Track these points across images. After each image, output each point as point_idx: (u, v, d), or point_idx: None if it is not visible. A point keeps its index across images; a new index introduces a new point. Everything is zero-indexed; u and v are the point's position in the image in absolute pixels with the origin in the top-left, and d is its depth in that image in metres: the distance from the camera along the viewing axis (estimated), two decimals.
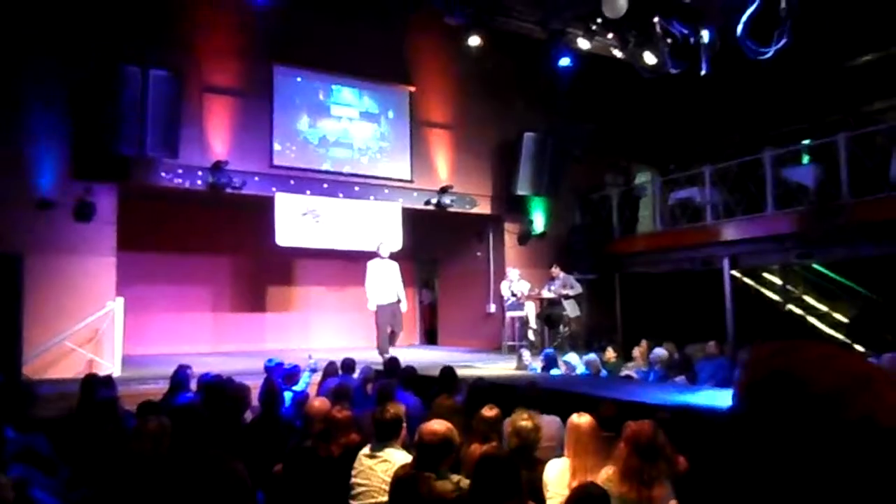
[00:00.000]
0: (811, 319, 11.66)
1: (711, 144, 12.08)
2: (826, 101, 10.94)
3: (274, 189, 10.43)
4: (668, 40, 8.88)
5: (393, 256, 9.65)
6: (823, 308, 11.77)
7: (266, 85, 10.53)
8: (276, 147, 10.58)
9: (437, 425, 3.28)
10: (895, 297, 10.34)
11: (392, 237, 11.11)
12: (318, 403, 4.40)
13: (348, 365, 6.88)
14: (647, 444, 3.22)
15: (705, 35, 8.49)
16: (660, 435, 3.27)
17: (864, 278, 10.94)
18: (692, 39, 8.53)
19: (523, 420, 3.68)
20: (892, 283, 10.12)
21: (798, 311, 11.88)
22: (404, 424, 3.67)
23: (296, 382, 6.23)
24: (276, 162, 10.54)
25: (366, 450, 3.59)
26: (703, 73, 8.63)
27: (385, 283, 9.31)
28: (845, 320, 11.45)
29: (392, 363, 6.90)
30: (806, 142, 10.25)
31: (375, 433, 3.63)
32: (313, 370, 6.76)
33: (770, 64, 7.98)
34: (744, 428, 0.80)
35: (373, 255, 9.70)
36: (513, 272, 11.39)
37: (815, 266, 11.65)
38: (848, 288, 11.42)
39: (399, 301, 9.38)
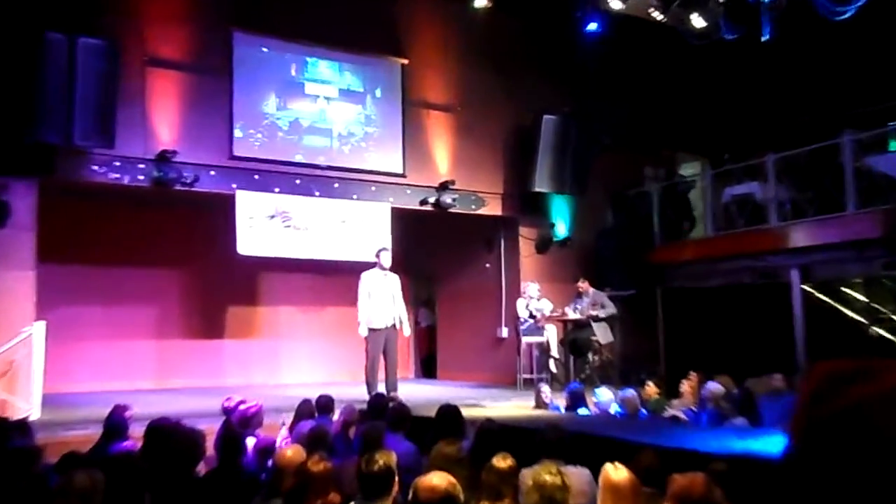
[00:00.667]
0: None
1: (776, 128, 12.10)
2: None
3: (234, 186, 10.42)
4: None
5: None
6: None
7: (224, 57, 10.51)
8: (237, 134, 10.57)
9: (437, 479, 3.25)
10: None
11: (379, 246, 11.12)
12: (291, 453, 4.36)
13: (325, 404, 6.86)
14: (699, 503, 3.18)
15: None
16: (714, 492, 3.24)
17: None
18: None
19: (548, 474, 3.62)
20: None
21: (887, 334, 11.83)
22: (396, 478, 3.62)
23: (259, 426, 6.19)
24: (238, 152, 10.54)
25: None
26: (764, 38, 8.62)
27: (382, 301, 9.35)
28: None
29: (378, 401, 6.86)
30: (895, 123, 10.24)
31: (360, 489, 3.60)
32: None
33: (850, 26, 7.96)
34: (799, 478, 0.75)
35: (366, 266, 9.76)
36: (531, 288, 11.40)
37: None
38: None
39: (395, 326, 9.51)
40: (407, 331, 9.70)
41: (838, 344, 10.72)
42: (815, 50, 10.83)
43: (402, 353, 14.55)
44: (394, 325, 9.43)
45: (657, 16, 9.72)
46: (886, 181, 9.53)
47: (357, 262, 10.76)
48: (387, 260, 9.54)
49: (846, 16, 7.63)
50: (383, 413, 6.30)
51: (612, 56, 11.69)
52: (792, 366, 9.83)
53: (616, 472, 3.58)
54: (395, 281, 9.56)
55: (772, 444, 5.39)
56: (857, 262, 10.08)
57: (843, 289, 12.12)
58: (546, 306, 11.19)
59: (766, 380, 9.34)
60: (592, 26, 10.12)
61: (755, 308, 10.94)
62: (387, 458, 3.65)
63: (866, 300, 12.08)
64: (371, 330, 9.28)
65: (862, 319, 12.00)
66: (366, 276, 9.48)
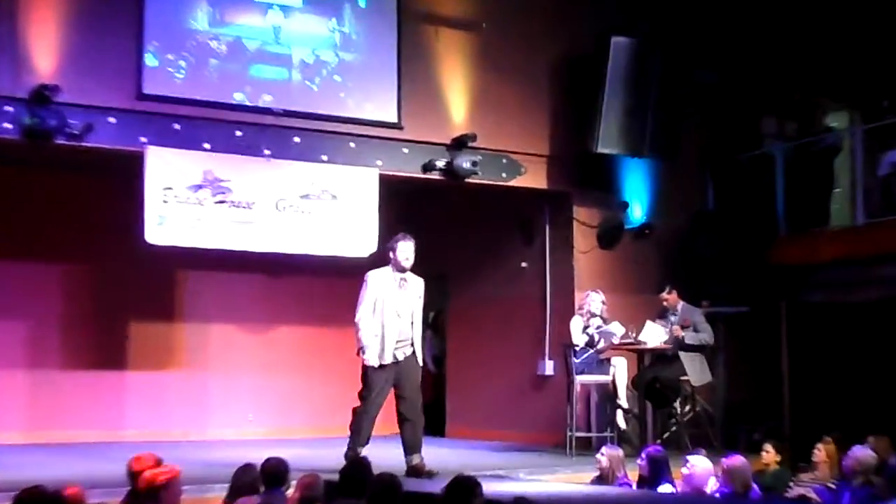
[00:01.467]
0: None
1: None
2: None
3: (144, 140, 10.33)
4: None
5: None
6: None
7: None
8: (150, 62, 10.49)
9: None
10: None
11: (363, 231, 11.12)
12: None
13: (275, 473, 6.78)
14: None
15: None
16: None
17: None
18: None
19: None
20: None
21: None
22: None
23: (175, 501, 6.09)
24: (149, 89, 10.45)
25: None
26: None
27: (396, 319, 9.10)
28: None
29: (355, 470, 6.75)
30: None
31: None
32: None
33: None
34: None
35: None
36: (594, 299, 11.34)
37: None
38: None
39: (416, 354, 9.38)
40: (419, 357, 9.41)
41: None
42: None
43: (392, 398, 14.66)
44: (413, 354, 9.24)
45: None
46: None
47: (329, 259, 10.70)
48: (406, 254, 9.14)
49: None
50: (362, 487, 6.21)
51: None
52: None
53: None
54: (416, 289, 9.37)
55: None
56: None
57: None
58: (617, 329, 11.11)
59: None
60: None
61: None
62: None
63: None
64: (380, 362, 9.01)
65: None
66: (374, 279, 9.19)
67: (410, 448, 9.13)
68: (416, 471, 8.92)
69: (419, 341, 9.35)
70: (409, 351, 9.16)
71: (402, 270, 9.16)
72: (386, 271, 9.23)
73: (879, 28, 12.68)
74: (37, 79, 9.74)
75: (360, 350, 9.05)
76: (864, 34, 12.76)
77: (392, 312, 9.04)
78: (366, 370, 9.08)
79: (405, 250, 9.15)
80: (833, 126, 12.62)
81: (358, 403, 9.30)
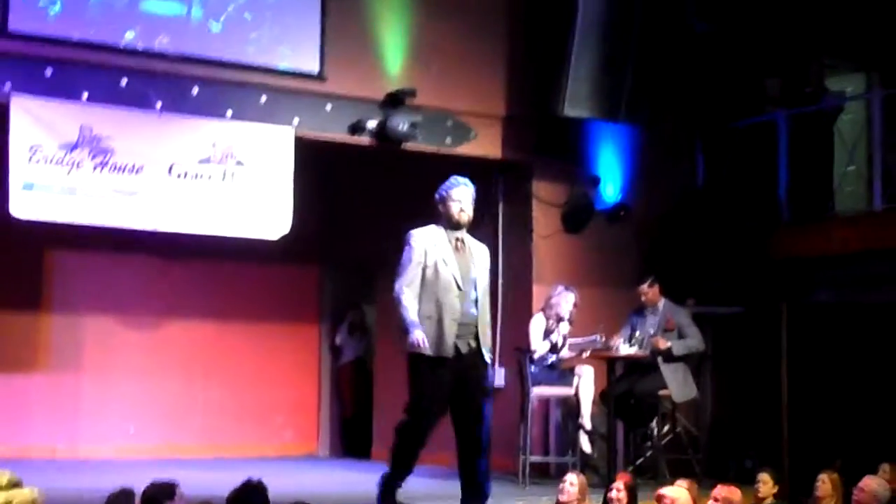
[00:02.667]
0: None
1: None
2: None
3: (8, 86, 10.26)
4: None
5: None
6: None
7: None
8: None
9: None
10: None
11: (274, 206, 11.13)
12: None
13: (158, 499, 6.69)
14: None
15: None
16: None
17: None
18: None
19: None
20: None
21: None
22: None
23: None
24: (16, 25, 10.36)
25: None
26: None
27: (455, 293, 7.85)
28: None
29: (247, 494, 6.63)
30: None
31: None
32: None
33: None
34: None
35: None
36: (567, 299, 11.37)
37: None
38: None
39: (483, 351, 8.03)
40: (488, 351, 8.14)
41: None
42: None
43: (308, 410, 14.65)
44: (477, 349, 7.91)
45: None
46: None
47: (232, 241, 10.71)
48: (463, 204, 8.03)
49: None
50: None
51: None
52: None
53: None
54: (481, 255, 8.18)
55: None
56: None
57: None
58: (598, 340, 11.16)
59: None
60: None
61: None
62: None
63: None
64: (427, 356, 7.75)
65: None
66: (420, 238, 8.03)
67: (475, 476, 8.10)
68: None
69: (487, 330, 8.11)
70: (472, 343, 7.87)
71: (458, 227, 7.99)
72: (435, 230, 8.13)
73: None
74: None
75: (404, 334, 7.82)
76: None
77: (449, 284, 7.79)
78: (415, 366, 7.94)
79: (462, 198, 8.05)
80: (848, 90, 12.68)
81: (404, 418, 8.31)
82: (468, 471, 8.03)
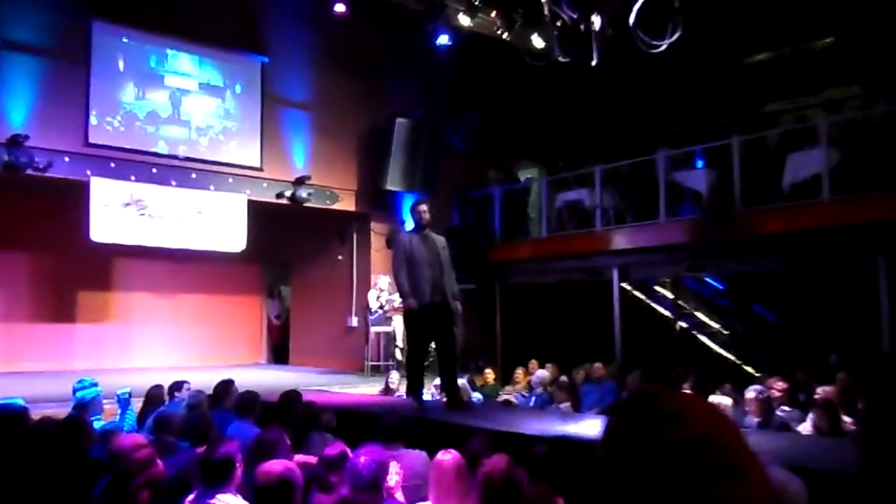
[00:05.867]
0: (702, 338, 12.38)
1: (603, 142, 12.54)
2: (721, 101, 11.65)
3: (89, 173, 9.97)
4: (558, 24, 9.13)
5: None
6: (715, 325, 12.54)
7: (82, 44, 10.06)
8: (93, 121, 10.07)
9: (275, 465, 3.21)
10: (787, 315, 11.17)
11: (234, 236, 10.99)
12: (126, 437, 4.03)
13: (174, 386, 6.64)
14: (501, 487, 3.08)
15: (596, 22, 8.77)
16: (517, 473, 3.15)
17: (756, 293, 11.73)
18: (582, 26, 8.80)
19: None
20: (784, 299, 10.92)
21: (689, 328, 12.60)
22: (238, 465, 3.51)
23: (99, 412, 5.85)
24: (93, 139, 10.07)
25: (191, 497, 3.44)
26: (593, 63, 8.91)
27: (426, 269, 6.68)
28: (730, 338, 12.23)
29: (222, 388, 6.53)
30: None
31: (201, 477, 3.46)
32: (122, 401, 6.41)
33: (664, 58, 8.40)
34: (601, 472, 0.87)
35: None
36: (382, 280, 11.43)
37: (707, 280, 12.40)
38: (741, 304, 12.23)
39: (449, 302, 6.75)
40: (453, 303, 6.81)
41: (650, 336, 11.32)
42: (637, 75, 11.24)
43: (255, 339, 14.56)
44: (444, 301, 6.67)
45: (502, 34, 9.89)
46: (692, 193, 10.02)
47: (212, 252, 10.50)
48: (423, 213, 6.86)
49: (660, 49, 8.07)
50: (223, 398, 6.10)
51: (464, 68, 11.87)
52: (611, 355, 10.29)
53: (444, 457, 3.63)
54: (440, 241, 6.85)
55: (589, 426, 5.59)
56: (667, 265, 10.61)
57: (656, 287, 12.83)
58: (396, 298, 11.16)
59: (587, 367, 9.77)
60: (443, 39, 10.16)
61: (582, 303, 11.32)
62: (229, 445, 3.54)
63: (673, 297, 12.81)
64: (412, 310, 6.66)
65: (669, 314, 12.71)
66: (400, 240, 7.08)
67: (447, 390, 6.89)
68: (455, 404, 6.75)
69: (452, 288, 6.75)
70: (438, 297, 6.62)
71: (424, 227, 6.82)
72: (406, 233, 7.25)
73: (558, 117, 12.93)
74: (11, 130, 9.39)
75: (402, 299, 6.87)
76: (548, 121, 13.00)
77: (421, 264, 6.62)
78: (409, 318, 6.85)
79: (425, 208, 6.92)
80: (529, 176, 12.90)
81: (406, 348, 7.51)
82: (448, 379, 6.84)
